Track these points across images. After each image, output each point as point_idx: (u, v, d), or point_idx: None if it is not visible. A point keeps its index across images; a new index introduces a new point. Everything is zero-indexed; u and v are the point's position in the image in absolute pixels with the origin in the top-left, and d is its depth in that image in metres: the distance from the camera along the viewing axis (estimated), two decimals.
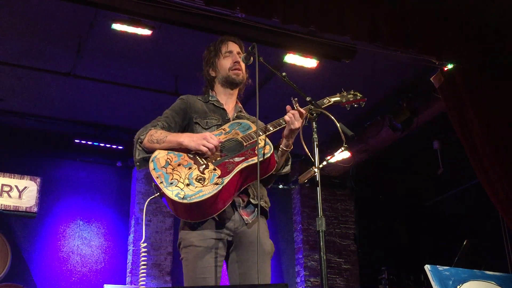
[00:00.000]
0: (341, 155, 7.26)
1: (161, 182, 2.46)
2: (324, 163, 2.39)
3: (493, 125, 5.24)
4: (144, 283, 2.60)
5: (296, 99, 2.62)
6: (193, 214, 2.49)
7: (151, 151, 2.61)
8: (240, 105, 2.96)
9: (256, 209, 2.64)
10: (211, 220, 2.54)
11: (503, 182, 5.09)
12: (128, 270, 7.57)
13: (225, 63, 2.89)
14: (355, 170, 8.62)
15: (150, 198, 2.57)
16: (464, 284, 3.00)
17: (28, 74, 6.36)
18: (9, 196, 6.79)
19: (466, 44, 5.39)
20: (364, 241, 8.60)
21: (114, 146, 7.79)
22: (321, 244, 2.23)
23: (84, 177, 7.88)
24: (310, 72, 6.06)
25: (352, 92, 2.96)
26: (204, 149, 2.52)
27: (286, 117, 2.63)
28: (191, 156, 2.57)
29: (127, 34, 5.41)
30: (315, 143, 2.39)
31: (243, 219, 2.60)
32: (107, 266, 7.62)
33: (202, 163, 2.54)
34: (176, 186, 2.44)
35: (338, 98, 2.90)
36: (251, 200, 2.64)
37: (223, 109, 2.86)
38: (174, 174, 2.49)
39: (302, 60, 5.78)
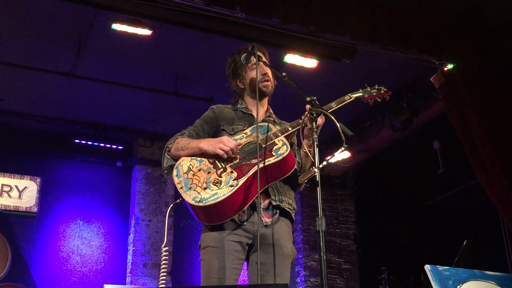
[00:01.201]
0: (341, 155, 7.26)
1: (181, 188, 2.53)
2: (324, 163, 2.38)
3: (493, 125, 5.24)
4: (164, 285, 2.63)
5: (315, 97, 2.62)
6: (211, 217, 2.53)
7: (177, 158, 2.68)
8: (271, 110, 2.97)
9: (277, 211, 2.67)
10: (230, 223, 2.56)
11: (503, 182, 5.09)
12: (128, 270, 7.57)
13: (254, 75, 2.88)
14: (355, 170, 8.61)
15: (173, 203, 2.66)
16: (464, 284, 3.00)
17: (28, 74, 6.36)
18: (9, 196, 6.79)
19: (466, 44, 5.39)
20: (364, 241, 8.59)
21: (114, 146, 7.79)
22: (321, 244, 2.23)
23: (84, 177, 7.88)
24: (310, 72, 6.06)
25: (377, 87, 2.97)
26: (221, 152, 2.56)
27: (303, 117, 2.64)
28: (211, 161, 2.62)
29: (127, 34, 5.41)
30: (315, 143, 2.39)
31: (263, 221, 2.61)
32: (107, 266, 7.62)
33: (220, 167, 2.59)
34: (194, 190, 2.51)
35: (360, 94, 2.92)
36: (272, 202, 2.65)
37: (251, 115, 2.88)
38: (194, 179, 2.56)
39: (302, 60, 5.78)
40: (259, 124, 2.78)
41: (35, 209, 6.87)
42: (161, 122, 7.56)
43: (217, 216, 2.52)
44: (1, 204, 6.72)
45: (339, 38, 5.28)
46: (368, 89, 2.95)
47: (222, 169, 2.58)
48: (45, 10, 5.35)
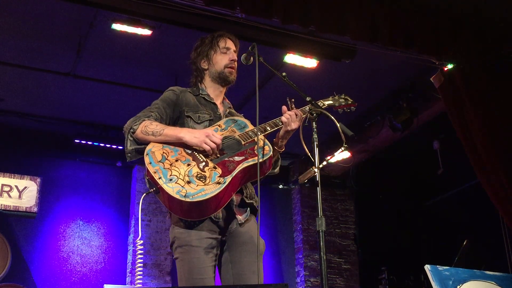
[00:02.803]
0: (341, 155, 7.26)
1: (159, 178, 2.40)
2: (324, 163, 2.38)
3: (493, 125, 5.24)
4: (141, 281, 2.60)
5: (293, 100, 2.62)
6: (192, 213, 2.45)
7: (143, 142, 2.54)
8: (228, 101, 2.91)
9: (248, 208, 2.64)
10: (207, 220, 2.51)
11: (503, 182, 5.10)
12: (128, 270, 7.57)
13: (221, 59, 2.84)
14: (355, 170, 8.61)
15: (145, 193, 2.56)
16: (464, 284, 3.00)
17: (28, 74, 6.36)
18: (9, 196, 6.79)
19: (466, 44, 5.39)
20: (364, 241, 8.59)
21: (114, 146, 7.79)
22: (321, 244, 2.23)
23: (84, 177, 7.88)
24: (310, 72, 6.06)
25: (343, 97, 2.97)
26: (207, 147, 2.47)
27: (283, 118, 2.62)
28: (189, 152, 2.52)
29: (127, 34, 5.41)
30: (315, 143, 2.39)
31: (236, 219, 2.58)
32: (107, 266, 7.62)
33: (201, 160, 2.50)
34: (176, 183, 2.39)
35: (331, 102, 2.93)
36: (245, 199, 2.62)
37: (214, 103, 2.82)
38: (172, 170, 2.43)
39: (302, 60, 5.77)
40: (232, 118, 2.74)
41: (35, 209, 6.87)
42: None
43: (198, 213, 2.44)
44: (1, 204, 6.72)
45: (339, 38, 5.28)
46: (336, 97, 2.96)
47: (204, 163, 2.48)
48: (45, 10, 5.35)
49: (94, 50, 5.98)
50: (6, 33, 5.65)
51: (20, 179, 6.93)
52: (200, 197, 2.36)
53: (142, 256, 2.56)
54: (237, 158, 2.52)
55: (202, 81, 2.88)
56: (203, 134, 2.50)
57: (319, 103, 2.81)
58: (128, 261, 7.66)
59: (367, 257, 8.46)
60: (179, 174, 2.43)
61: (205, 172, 2.45)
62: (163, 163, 2.46)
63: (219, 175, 2.45)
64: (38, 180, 7.00)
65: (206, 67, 2.87)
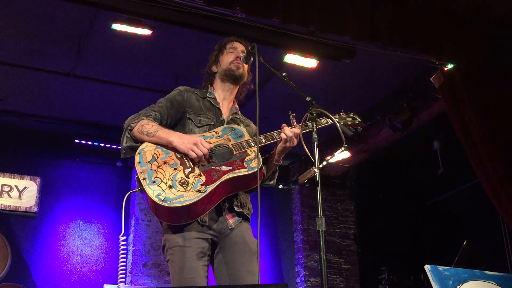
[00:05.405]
0: (341, 155, 7.25)
1: (144, 179, 2.43)
2: (324, 163, 2.39)
3: (493, 125, 5.25)
4: (123, 279, 2.59)
5: (294, 114, 2.59)
6: (172, 218, 2.47)
7: (139, 141, 2.57)
8: (236, 106, 2.91)
9: (240, 216, 2.63)
10: (195, 222, 2.51)
11: (503, 182, 5.10)
12: (128, 270, 7.57)
13: (228, 57, 2.88)
14: (355, 170, 8.62)
15: (130, 192, 2.57)
16: (464, 284, 3.00)
17: (28, 74, 6.36)
18: (9, 196, 6.80)
19: (466, 44, 5.39)
20: (364, 241, 8.60)
21: (114, 146, 7.79)
22: (321, 244, 2.23)
23: (84, 177, 7.88)
24: (310, 72, 6.05)
25: (352, 115, 2.87)
26: (193, 154, 2.48)
27: (282, 135, 2.61)
28: (179, 156, 2.53)
29: (127, 34, 5.41)
30: (315, 143, 2.39)
31: (227, 223, 2.59)
32: (107, 266, 7.62)
33: (188, 165, 2.50)
34: (158, 186, 2.41)
35: (336, 120, 2.77)
36: (234, 208, 2.61)
37: (219, 109, 2.83)
38: (158, 172, 2.45)
39: (302, 60, 5.77)
40: (230, 126, 2.71)
41: (35, 209, 6.88)
42: None
43: (177, 218, 2.45)
44: (1, 204, 6.73)
45: (339, 38, 5.28)
46: (344, 115, 2.85)
47: (190, 169, 2.48)
48: (45, 10, 5.35)
49: (94, 50, 5.98)
50: (6, 33, 5.65)
51: (20, 179, 6.94)
52: (177, 203, 2.37)
53: (125, 253, 2.56)
54: (224, 168, 2.51)
55: (212, 84, 2.91)
56: (191, 141, 2.51)
57: (322, 121, 2.71)
58: (128, 261, 7.66)
59: (367, 257, 8.46)
60: (164, 177, 2.44)
61: (189, 178, 2.46)
62: (151, 164, 2.48)
63: (202, 183, 2.44)
64: (38, 180, 7.01)
65: (215, 70, 2.90)
